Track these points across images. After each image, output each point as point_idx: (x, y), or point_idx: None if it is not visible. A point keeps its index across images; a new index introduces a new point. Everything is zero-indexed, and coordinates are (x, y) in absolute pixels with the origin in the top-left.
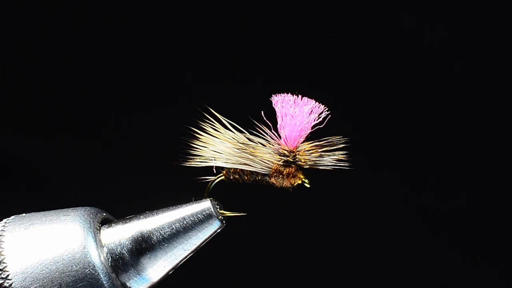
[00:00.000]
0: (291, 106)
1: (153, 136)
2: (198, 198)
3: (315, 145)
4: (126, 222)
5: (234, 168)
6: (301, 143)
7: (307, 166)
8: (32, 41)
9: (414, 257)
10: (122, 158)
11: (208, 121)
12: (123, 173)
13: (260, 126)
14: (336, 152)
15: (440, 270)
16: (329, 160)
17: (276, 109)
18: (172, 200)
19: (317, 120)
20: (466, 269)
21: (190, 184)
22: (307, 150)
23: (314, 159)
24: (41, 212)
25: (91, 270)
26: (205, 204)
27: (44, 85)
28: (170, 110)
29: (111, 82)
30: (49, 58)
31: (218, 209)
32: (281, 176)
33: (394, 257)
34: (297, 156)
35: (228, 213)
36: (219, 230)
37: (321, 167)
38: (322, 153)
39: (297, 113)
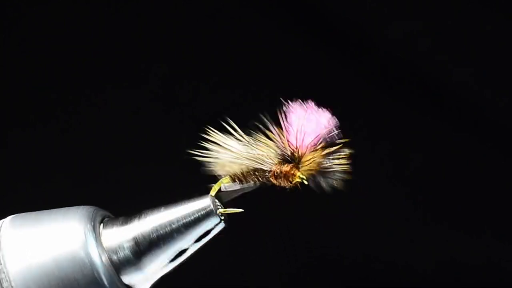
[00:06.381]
0: (309, 112)
1: (154, 137)
2: (199, 195)
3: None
4: (127, 221)
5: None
6: (310, 150)
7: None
8: None
9: None
10: (122, 157)
11: (213, 130)
12: (123, 172)
13: (271, 124)
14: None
15: None
16: (328, 180)
17: (292, 110)
18: (173, 197)
19: (330, 132)
20: None
21: (191, 181)
22: (310, 159)
23: (316, 169)
24: (41, 211)
25: (92, 270)
26: (206, 202)
27: None
28: (171, 111)
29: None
30: None
31: (219, 208)
32: (280, 173)
33: None
34: (301, 159)
35: (229, 210)
36: (220, 229)
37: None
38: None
39: (313, 119)
